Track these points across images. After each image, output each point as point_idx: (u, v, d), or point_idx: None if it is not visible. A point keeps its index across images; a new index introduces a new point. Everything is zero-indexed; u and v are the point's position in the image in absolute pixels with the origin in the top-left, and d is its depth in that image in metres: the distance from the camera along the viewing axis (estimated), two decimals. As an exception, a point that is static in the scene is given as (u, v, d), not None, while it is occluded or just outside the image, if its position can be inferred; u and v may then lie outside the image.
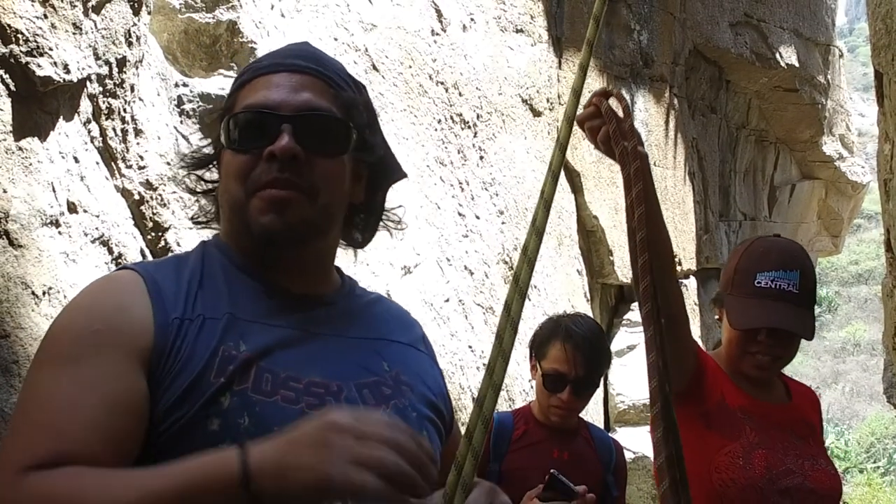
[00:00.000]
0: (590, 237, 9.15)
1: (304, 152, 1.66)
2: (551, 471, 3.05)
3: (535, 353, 3.64)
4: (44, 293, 2.76)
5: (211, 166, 1.85)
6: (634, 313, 10.14)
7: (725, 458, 2.68)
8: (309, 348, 1.65)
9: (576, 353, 3.44)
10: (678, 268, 11.09)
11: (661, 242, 2.51)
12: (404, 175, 2.01)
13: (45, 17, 2.78)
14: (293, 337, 1.66)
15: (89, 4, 2.96)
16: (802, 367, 38.36)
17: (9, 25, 2.67)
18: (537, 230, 1.86)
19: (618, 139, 2.41)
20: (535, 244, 1.87)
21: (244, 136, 1.70)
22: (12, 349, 2.64)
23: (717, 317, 3.00)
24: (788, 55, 15.17)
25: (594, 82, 8.93)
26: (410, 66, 5.80)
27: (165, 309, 1.59)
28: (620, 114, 2.46)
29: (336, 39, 5.11)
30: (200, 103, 3.77)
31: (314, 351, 1.66)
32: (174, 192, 3.44)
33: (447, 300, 5.68)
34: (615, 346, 9.40)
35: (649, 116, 10.74)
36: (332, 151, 1.72)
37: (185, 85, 3.74)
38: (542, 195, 1.92)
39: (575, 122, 2.33)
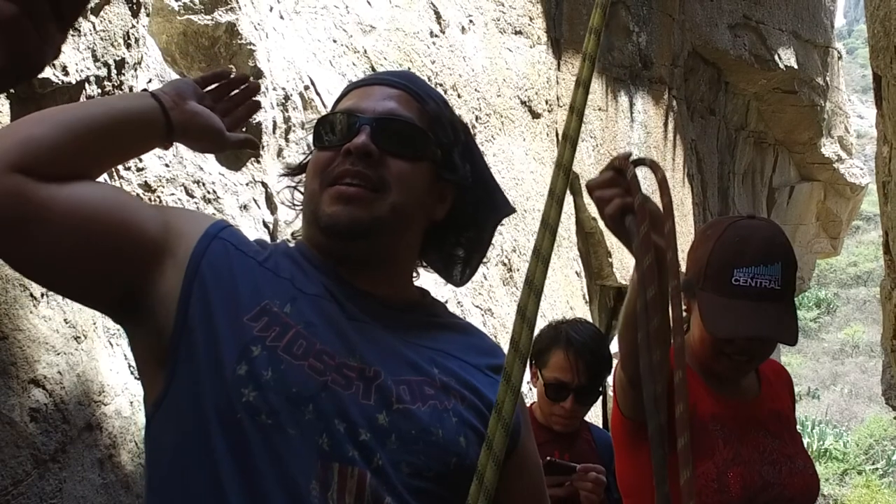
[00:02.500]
0: (588, 239, 9.15)
1: (379, 151, 1.74)
2: (547, 458, 3.06)
3: (536, 361, 3.61)
4: (42, 295, 2.76)
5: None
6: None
7: (698, 481, 2.45)
8: (356, 335, 1.68)
9: (578, 360, 3.41)
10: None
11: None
12: (512, 210, 2.05)
13: (44, 19, 2.78)
14: (344, 320, 1.70)
15: (88, 6, 2.96)
16: (801, 368, 38.41)
17: (7, 27, 2.67)
18: (551, 228, 1.83)
19: (642, 246, 1.98)
20: (549, 242, 1.84)
21: (328, 136, 1.80)
22: (10, 351, 2.64)
23: (684, 308, 2.68)
24: (787, 57, 15.19)
25: (593, 84, 8.92)
26: (409, 68, 5.80)
27: (217, 231, 1.72)
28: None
29: (335, 41, 5.12)
30: (199, 105, 3.78)
31: (361, 338, 1.69)
32: (172, 194, 3.44)
33: (446, 301, 5.68)
34: (614, 347, 9.39)
35: (648, 118, 10.74)
36: (408, 155, 1.78)
37: (183, 87, 3.74)
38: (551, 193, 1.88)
39: (585, 189, 2.11)
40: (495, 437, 1.67)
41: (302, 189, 1.94)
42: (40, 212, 1.49)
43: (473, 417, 1.74)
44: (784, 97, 16.23)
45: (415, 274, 1.94)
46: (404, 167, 1.76)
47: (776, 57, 14.83)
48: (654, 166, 2.12)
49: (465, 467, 1.69)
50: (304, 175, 1.93)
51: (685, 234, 11.72)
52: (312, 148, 1.87)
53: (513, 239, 6.88)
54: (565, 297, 7.93)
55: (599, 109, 9.50)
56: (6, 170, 1.47)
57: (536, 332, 3.77)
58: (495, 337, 6.15)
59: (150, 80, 3.51)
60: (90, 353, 2.98)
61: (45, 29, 1.15)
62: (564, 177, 1.84)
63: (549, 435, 3.52)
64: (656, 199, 2.09)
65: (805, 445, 2.75)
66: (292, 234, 1.98)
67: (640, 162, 2.12)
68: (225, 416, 1.55)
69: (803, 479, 2.57)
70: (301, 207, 1.94)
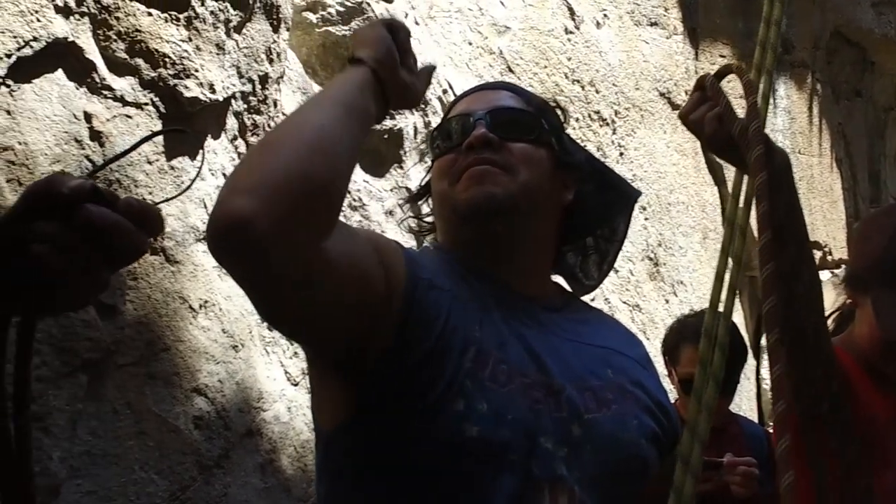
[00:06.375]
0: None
1: (499, 139, 1.75)
2: None
3: (669, 358, 3.57)
4: (200, 307, 2.85)
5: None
6: (785, 305, 9.83)
7: (883, 491, 2.23)
8: (536, 347, 1.68)
9: None
10: (828, 258, 10.79)
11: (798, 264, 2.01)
12: (638, 193, 2.05)
13: (190, 39, 2.87)
14: (521, 333, 1.69)
15: (231, 25, 3.04)
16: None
17: (156, 50, 2.77)
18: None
19: (742, 142, 1.83)
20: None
21: (447, 140, 1.82)
22: (173, 362, 2.73)
23: (848, 300, 2.44)
24: (937, 32, 14.63)
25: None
26: (545, 67, 5.79)
27: (412, 264, 1.65)
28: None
29: (470, 44, 5.14)
30: (341, 115, 3.84)
31: (541, 350, 1.68)
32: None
33: (592, 299, 5.65)
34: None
35: (792, 104, 10.48)
36: (526, 139, 1.79)
37: (325, 98, 3.81)
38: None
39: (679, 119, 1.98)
40: (693, 454, 1.67)
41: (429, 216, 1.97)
42: (324, 274, 1.42)
43: (647, 417, 1.74)
44: (935, 74, 15.65)
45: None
46: (527, 149, 1.78)
47: (924, 33, 14.30)
48: (739, 72, 1.99)
49: (646, 468, 1.70)
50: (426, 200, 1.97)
51: (836, 220, 11.40)
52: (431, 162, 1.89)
53: (658, 233, 6.79)
54: (714, 290, 7.77)
55: (741, 97, 9.31)
56: (315, 238, 1.39)
57: (666, 329, 3.73)
58: (644, 333, 6.08)
59: (293, 92, 3.59)
60: (248, 361, 3.05)
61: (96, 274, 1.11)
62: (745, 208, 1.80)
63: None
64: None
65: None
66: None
67: (727, 71, 2.02)
68: (444, 449, 1.54)
69: None
70: (428, 228, 1.97)
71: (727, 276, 1.81)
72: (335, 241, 1.42)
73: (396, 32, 1.69)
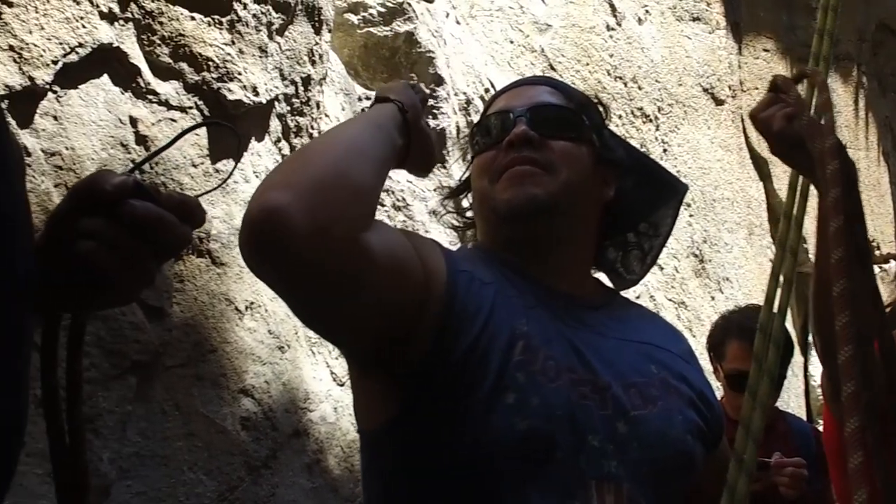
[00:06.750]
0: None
1: (539, 137, 1.74)
2: None
3: (714, 354, 3.55)
4: (246, 308, 2.87)
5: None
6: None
7: None
8: (580, 344, 1.67)
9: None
10: (876, 252, 10.67)
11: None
12: (685, 187, 2.03)
13: (233, 43, 2.89)
14: (566, 330, 1.68)
15: (273, 27, 3.06)
16: None
17: (200, 54, 2.79)
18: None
19: (813, 133, 1.81)
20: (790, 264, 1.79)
21: (487, 137, 1.82)
22: (220, 363, 2.75)
23: None
24: (985, 22, 14.41)
25: (775, 67, 8.68)
26: (587, 64, 5.77)
27: (451, 258, 1.66)
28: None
29: (512, 42, 5.13)
30: (383, 115, 3.85)
31: (585, 347, 1.67)
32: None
33: (637, 297, 5.63)
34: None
35: (837, 97, 10.37)
36: (567, 136, 1.78)
37: (367, 98, 3.82)
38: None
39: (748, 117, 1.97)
40: (747, 452, 1.66)
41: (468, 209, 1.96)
42: (364, 269, 1.42)
43: (692, 411, 1.73)
44: (983, 65, 15.41)
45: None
46: (568, 146, 1.76)
47: (972, 23, 14.09)
48: (813, 73, 1.98)
49: (692, 464, 1.69)
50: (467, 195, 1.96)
51: (883, 214, 11.26)
52: (469, 160, 1.89)
53: (703, 229, 6.75)
54: (760, 287, 7.71)
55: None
56: (353, 231, 1.40)
57: (711, 326, 3.70)
58: (689, 330, 6.04)
59: (336, 94, 3.61)
60: (294, 361, 3.07)
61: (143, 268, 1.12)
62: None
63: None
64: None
65: None
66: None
67: (802, 75, 2.02)
68: (491, 447, 1.53)
69: None
70: (469, 224, 1.97)
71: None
72: (374, 238, 1.43)
73: (417, 93, 1.79)
